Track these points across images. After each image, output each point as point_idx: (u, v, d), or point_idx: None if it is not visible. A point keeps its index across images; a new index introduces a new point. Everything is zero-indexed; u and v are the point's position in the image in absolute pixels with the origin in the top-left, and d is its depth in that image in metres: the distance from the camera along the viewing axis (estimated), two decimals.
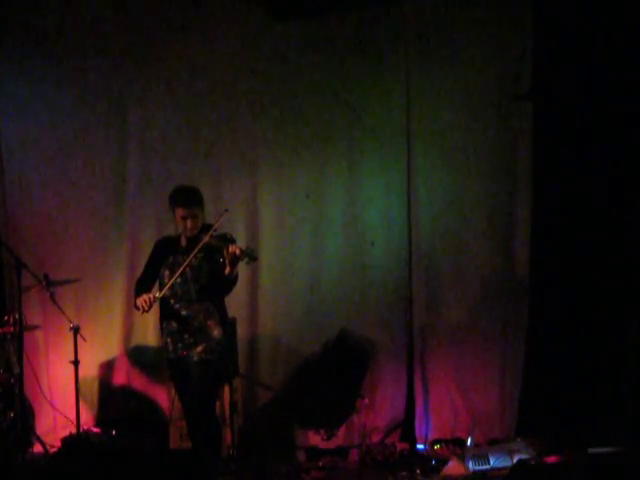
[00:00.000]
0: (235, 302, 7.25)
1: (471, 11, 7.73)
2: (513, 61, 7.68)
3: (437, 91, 7.81)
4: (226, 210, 6.61)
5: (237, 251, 6.26)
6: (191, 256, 6.35)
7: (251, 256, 6.34)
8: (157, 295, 6.38)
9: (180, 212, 6.46)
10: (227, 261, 6.28)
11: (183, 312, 6.47)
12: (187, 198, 6.48)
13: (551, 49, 7.52)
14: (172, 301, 6.47)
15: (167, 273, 6.50)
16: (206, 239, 6.35)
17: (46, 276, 7.21)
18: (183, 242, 6.55)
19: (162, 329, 6.58)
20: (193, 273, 6.47)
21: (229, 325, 6.86)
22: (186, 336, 6.47)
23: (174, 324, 6.49)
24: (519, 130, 7.72)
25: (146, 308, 6.34)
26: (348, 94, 7.91)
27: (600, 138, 7.39)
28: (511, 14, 7.69)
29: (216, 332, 6.49)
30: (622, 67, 7.31)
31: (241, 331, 7.74)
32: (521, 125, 7.70)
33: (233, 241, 6.42)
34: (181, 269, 6.37)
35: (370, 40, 7.84)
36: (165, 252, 6.59)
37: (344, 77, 7.90)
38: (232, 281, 6.45)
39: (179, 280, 6.41)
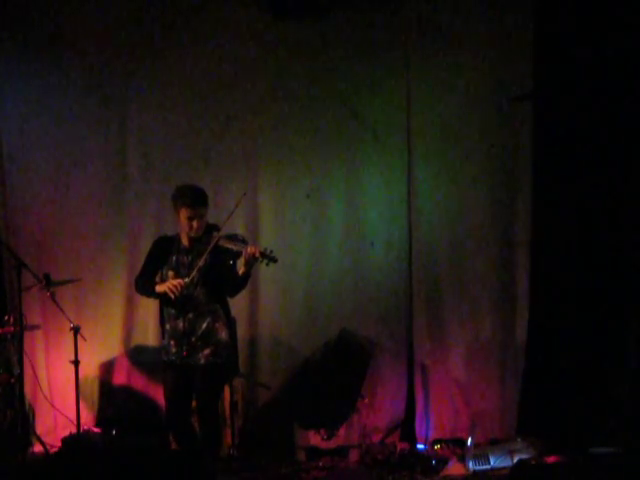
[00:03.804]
0: (235, 302, 7.20)
1: (471, 11, 7.74)
2: (513, 61, 7.69)
3: (437, 91, 7.82)
4: (244, 194, 6.53)
5: (256, 253, 6.12)
6: (204, 257, 6.20)
7: (270, 258, 6.16)
8: (186, 280, 6.22)
9: (186, 212, 6.28)
10: (244, 262, 6.16)
11: (190, 314, 6.33)
12: (193, 198, 6.29)
13: (551, 49, 7.52)
14: (179, 303, 6.31)
15: (171, 274, 6.36)
16: (216, 240, 6.22)
17: (46, 276, 7.18)
18: (185, 242, 6.42)
19: (164, 331, 6.45)
20: (201, 275, 6.31)
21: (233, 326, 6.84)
22: (193, 339, 6.33)
23: (181, 326, 6.34)
24: (519, 130, 7.73)
25: (177, 293, 6.18)
26: (348, 94, 7.91)
27: (600, 138, 7.39)
28: (511, 14, 7.70)
29: (223, 335, 6.39)
30: (622, 67, 7.31)
31: (241, 331, 7.72)
32: (521, 125, 7.72)
33: (245, 242, 6.30)
34: (195, 271, 6.23)
35: (370, 40, 7.84)
36: (165, 252, 6.44)
37: (344, 77, 7.90)
38: (244, 282, 6.32)
39: (187, 280, 6.27)
